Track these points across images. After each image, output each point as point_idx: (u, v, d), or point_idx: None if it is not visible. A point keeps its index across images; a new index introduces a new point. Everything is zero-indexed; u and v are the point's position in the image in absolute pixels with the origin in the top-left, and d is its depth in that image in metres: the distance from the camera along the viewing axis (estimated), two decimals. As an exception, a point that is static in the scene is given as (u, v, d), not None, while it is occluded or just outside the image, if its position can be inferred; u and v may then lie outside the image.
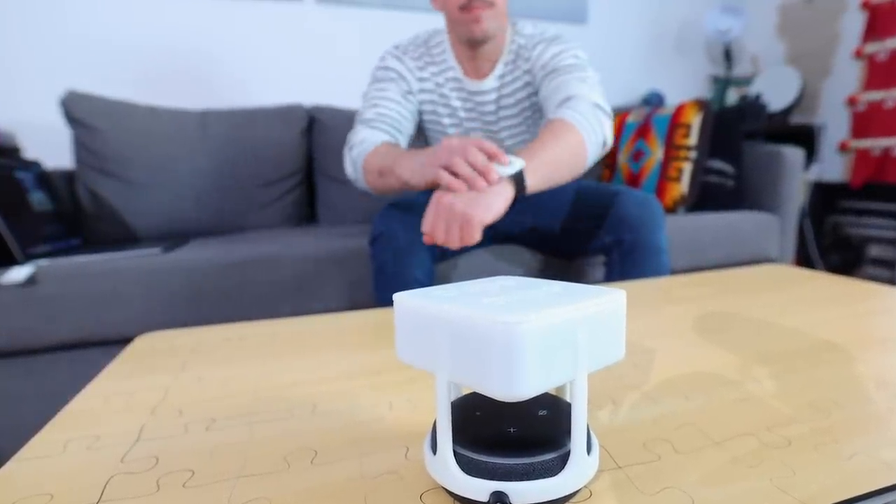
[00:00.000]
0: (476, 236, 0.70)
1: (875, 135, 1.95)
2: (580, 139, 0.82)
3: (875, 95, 1.95)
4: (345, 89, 1.74)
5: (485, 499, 0.22)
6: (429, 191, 0.87)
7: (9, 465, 0.29)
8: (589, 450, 0.24)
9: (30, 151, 1.43)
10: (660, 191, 1.46)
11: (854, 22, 2.02)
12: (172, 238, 1.32)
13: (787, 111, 2.12)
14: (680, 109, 1.47)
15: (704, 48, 2.37)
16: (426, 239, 0.74)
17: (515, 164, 0.73)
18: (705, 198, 1.47)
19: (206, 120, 1.44)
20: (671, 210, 1.43)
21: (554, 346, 0.20)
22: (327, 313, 0.59)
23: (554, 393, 0.27)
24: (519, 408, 0.25)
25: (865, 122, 1.99)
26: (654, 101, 2.12)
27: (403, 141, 0.98)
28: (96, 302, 0.94)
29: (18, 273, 0.90)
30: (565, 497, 0.23)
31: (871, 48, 1.96)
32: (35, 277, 0.91)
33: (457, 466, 0.23)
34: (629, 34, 2.26)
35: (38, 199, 1.13)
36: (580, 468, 0.22)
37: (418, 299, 0.23)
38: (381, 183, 0.89)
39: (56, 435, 0.32)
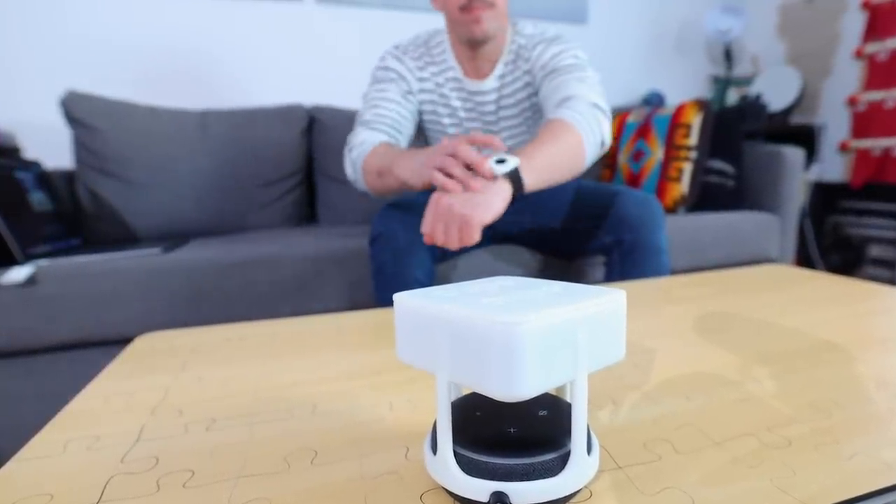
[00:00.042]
0: (475, 237, 0.70)
1: (875, 135, 1.95)
2: (578, 139, 0.82)
3: (875, 95, 1.95)
4: (345, 89, 1.74)
5: (485, 499, 0.22)
6: (428, 191, 0.87)
7: (9, 465, 0.29)
8: (589, 450, 0.23)
9: (30, 151, 1.43)
10: (660, 191, 1.46)
11: (854, 22, 2.02)
12: (172, 238, 1.32)
13: (788, 111, 2.12)
14: (680, 109, 1.47)
15: (705, 48, 2.37)
16: (426, 239, 0.74)
17: (510, 162, 0.73)
18: (705, 198, 1.47)
19: (206, 120, 1.44)
20: (671, 210, 1.43)
21: (554, 347, 0.20)
22: (327, 313, 0.59)
23: (554, 393, 0.27)
24: (519, 408, 0.25)
25: (866, 122, 1.99)
26: (654, 101, 2.12)
27: (403, 142, 0.98)
28: (96, 302, 0.94)
29: (18, 273, 0.90)
30: (565, 497, 0.23)
31: (871, 48, 1.96)
32: (35, 277, 0.91)
33: (457, 467, 0.23)
34: (629, 34, 2.26)
35: (38, 199, 1.13)
36: (580, 468, 0.22)
37: (418, 299, 0.23)
38: (380, 184, 0.89)
39: (56, 435, 0.32)
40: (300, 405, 0.35)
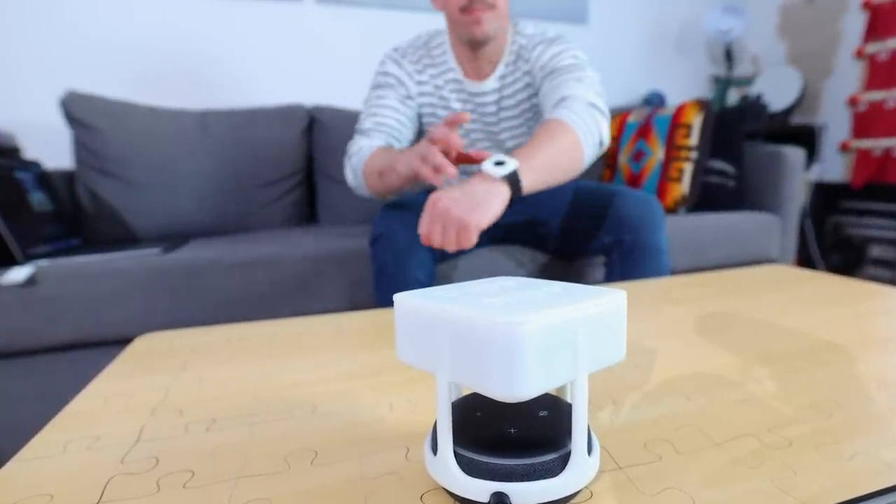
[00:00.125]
0: (472, 240, 0.69)
1: (876, 135, 1.95)
2: (576, 139, 0.81)
3: (876, 95, 1.95)
4: (345, 89, 1.75)
5: (485, 499, 0.22)
6: (428, 190, 0.87)
7: (9, 465, 0.29)
8: (589, 450, 0.23)
9: (30, 151, 1.43)
10: (661, 191, 1.46)
11: (855, 22, 2.02)
12: (172, 238, 1.32)
13: (788, 111, 2.12)
14: (681, 110, 1.47)
15: (705, 48, 2.37)
16: (423, 241, 0.74)
17: (509, 164, 0.72)
18: (706, 198, 1.47)
19: (206, 120, 1.44)
20: (672, 210, 1.43)
21: (554, 347, 0.20)
22: (327, 314, 0.59)
23: (554, 393, 0.27)
24: (519, 408, 0.25)
25: (866, 122, 1.99)
26: (654, 101, 2.12)
27: (402, 147, 0.98)
28: (96, 302, 0.94)
29: (18, 273, 0.90)
30: (566, 498, 0.23)
31: (872, 48, 1.95)
32: (35, 278, 0.91)
33: (457, 467, 0.22)
34: (630, 34, 2.25)
35: (38, 199, 1.13)
36: (581, 469, 0.22)
37: (419, 300, 0.23)
38: (381, 184, 0.89)
39: (56, 435, 0.32)
40: (300, 405, 0.35)
